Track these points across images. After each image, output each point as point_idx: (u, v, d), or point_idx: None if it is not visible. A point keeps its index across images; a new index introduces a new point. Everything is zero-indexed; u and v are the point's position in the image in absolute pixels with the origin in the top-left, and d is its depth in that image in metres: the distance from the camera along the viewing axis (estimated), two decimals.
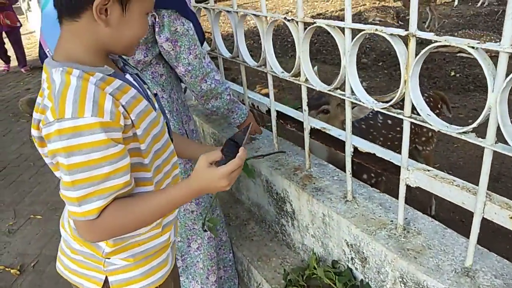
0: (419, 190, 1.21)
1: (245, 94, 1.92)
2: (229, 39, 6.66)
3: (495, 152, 0.94)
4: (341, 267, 1.47)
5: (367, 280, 1.37)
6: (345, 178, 1.57)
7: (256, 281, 1.78)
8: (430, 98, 2.39)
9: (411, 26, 1.00)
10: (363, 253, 1.33)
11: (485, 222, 1.05)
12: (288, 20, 1.37)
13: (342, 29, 1.21)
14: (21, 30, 6.85)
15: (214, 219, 1.69)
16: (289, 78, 1.50)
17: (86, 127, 0.77)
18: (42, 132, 0.81)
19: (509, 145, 0.89)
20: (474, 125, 0.95)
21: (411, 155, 2.34)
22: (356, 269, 1.41)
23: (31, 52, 7.99)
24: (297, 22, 1.36)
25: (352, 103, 1.28)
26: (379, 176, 2.02)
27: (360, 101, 1.23)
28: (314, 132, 1.58)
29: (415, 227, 1.29)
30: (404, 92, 1.07)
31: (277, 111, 1.74)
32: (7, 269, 2.42)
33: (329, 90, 1.33)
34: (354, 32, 1.16)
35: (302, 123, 1.57)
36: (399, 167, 1.22)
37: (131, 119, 0.87)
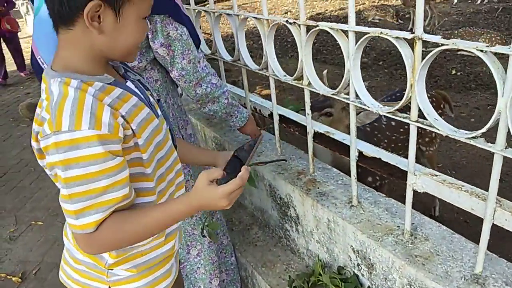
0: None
1: (246, 97, 1.90)
2: (228, 40, 6.64)
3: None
4: (347, 274, 1.45)
5: (374, 287, 1.34)
6: (349, 182, 1.55)
7: (260, 287, 1.76)
8: (432, 98, 2.37)
9: (417, 29, 0.98)
10: (370, 259, 1.31)
11: (493, 226, 1.03)
12: (291, 23, 1.35)
13: (346, 32, 1.19)
14: (20, 34, 6.84)
15: (214, 224, 1.67)
16: (292, 81, 1.47)
17: (83, 140, 0.76)
18: (41, 145, 0.80)
19: None
20: (483, 130, 0.92)
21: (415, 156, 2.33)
22: (363, 275, 1.38)
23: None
24: (299, 25, 1.34)
25: (357, 107, 1.26)
26: (384, 179, 2.00)
27: (365, 105, 1.21)
28: (318, 136, 1.56)
29: (423, 233, 1.27)
30: (411, 96, 1.05)
31: (280, 115, 1.71)
32: (8, 276, 2.40)
33: (333, 94, 1.31)
34: (357, 34, 1.14)
35: (305, 126, 1.55)
36: (405, 171, 1.20)
37: (131, 128, 0.85)
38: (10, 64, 6.99)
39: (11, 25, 6.18)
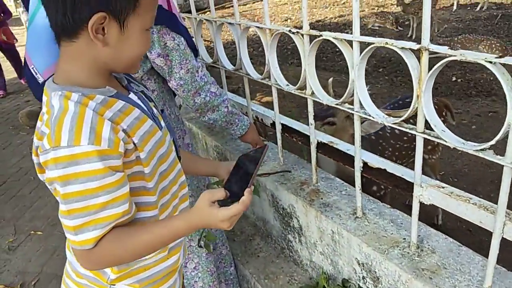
0: None
1: (248, 106, 1.88)
2: (228, 47, 6.64)
3: None
4: (351, 286, 1.42)
5: None
6: (353, 192, 1.53)
7: None
8: (434, 106, 2.35)
9: (423, 40, 0.96)
10: (375, 272, 1.29)
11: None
12: (293, 33, 1.34)
13: (350, 42, 1.17)
14: (21, 40, 6.83)
15: (211, 235, 1.65)
16: (295, 91, 1.46)
17: (82, 155, 0.74)
18: (40, 159, 0.79)
19: None
20: (492, 142, 0.90)
21: None
22: None
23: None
24: (302, 35, 1.33)
25: (361, 117, 1.24)
26: (388, 187, 1.98)
27: (370, 115, 1.19)
28: (321, 146, 1.54)
29: (429, 245, 1.24)
30: (417, 107, 1.03)
31: (282, 124, 1.70)
32: None
33: (337, 104, 1.30)
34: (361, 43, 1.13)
35: (308, 136, 1.53)
36: (411, 183, 1.18)
37: (133, 142, 0.84)
38: (10, 72, 6.98)
39: (7, 36, 6.15)
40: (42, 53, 1.03)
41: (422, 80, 0.99)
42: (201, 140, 2.39)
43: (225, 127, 1.66)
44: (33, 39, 1.05)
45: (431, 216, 2.74)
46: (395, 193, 2.50)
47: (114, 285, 0.94)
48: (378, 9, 9.45)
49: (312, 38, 1.30)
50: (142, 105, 0.92)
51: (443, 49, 0.93)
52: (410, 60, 1.01)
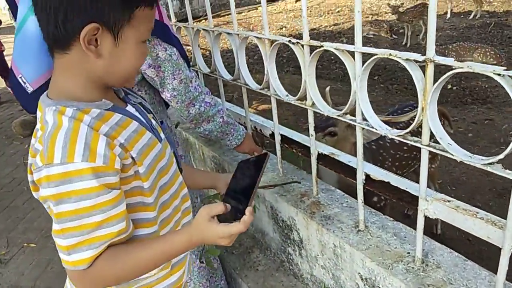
0: None
1: (247, 117, 1.86)
2: (224, 55, 6.63)
3: None
4: None
5: None
6: (354, 204, 1.50)
7: None
8: None
9: (428, 51, 0.94)
10: (379, 287, 1.26)
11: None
12: (293, 43, 1.32)
13: (351, 53, 1.15)
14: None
15: (213, 250, 1.61)
16: (295, 102, 1.44)
17: (76, 173, 0.71)
18: (34, 177, 0.76)
19: None
20: (501, 156, 0.88)
21: (416, 173, 2.29)
22: None
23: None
24: (302, 46, 1.31)
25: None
26: (392, 200, 1.96)
27: (372, 127, 1.17)
28: (322, 157, 1.51)
29: (434, 260, 1.21)
30: (422, 120, 1.01)
31: (281, 135, 1.67)
32: None
33: (338, 116, 1.27)
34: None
35: (308, 147, 1.50)
36: (415, 196, 1.15)
37: (131, 156, 0.81)
38: (3, 81, 6.91)
39: None
40: (31, 63, 0.99)
41: (428, 92, 0.97)
42: (198, 151, 2.35)
43: (221, 137, 1.64)
44: (22, 48, 1.01)
45: (430, 225, 2.72)
46: (395, 203, 2.48)
47: None
48: (372, 17, 9.52)
49: (312, 48, 1.28)
50: (140, 117, 0.89)
51: (449, 61, 0.91)
52: (414, 72, 0.99)
